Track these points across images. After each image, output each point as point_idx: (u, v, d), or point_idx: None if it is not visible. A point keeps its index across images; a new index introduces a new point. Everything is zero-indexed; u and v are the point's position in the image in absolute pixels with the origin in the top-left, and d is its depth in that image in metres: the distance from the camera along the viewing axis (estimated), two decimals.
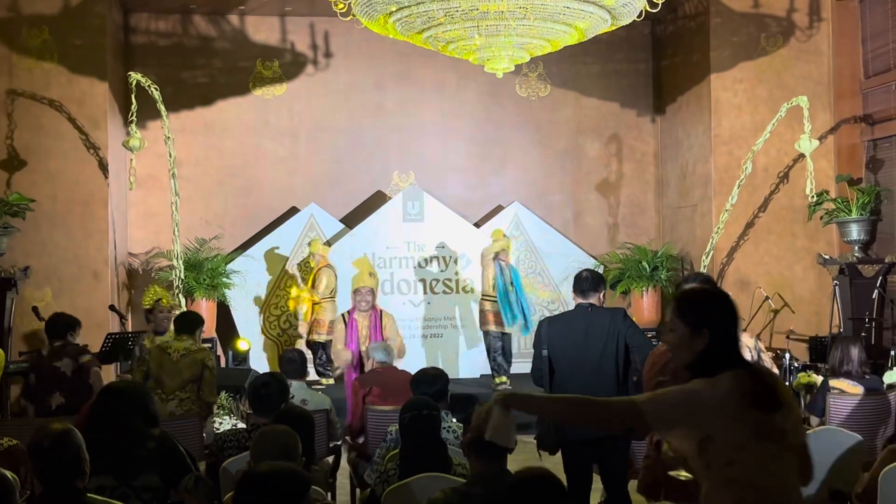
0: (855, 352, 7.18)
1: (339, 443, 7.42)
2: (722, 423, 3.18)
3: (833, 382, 7.15)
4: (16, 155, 10.84)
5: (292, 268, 12.21)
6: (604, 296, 6.41)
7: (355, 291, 9.12)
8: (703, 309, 3.36)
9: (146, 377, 7.63)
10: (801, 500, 3.30)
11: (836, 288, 10.76)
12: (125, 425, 4.39)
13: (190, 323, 7.88)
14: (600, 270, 12.15)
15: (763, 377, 3.31)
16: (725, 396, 3.20)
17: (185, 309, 9.72)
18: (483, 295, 11.32)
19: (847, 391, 7.09)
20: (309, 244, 11.79)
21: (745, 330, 8.42)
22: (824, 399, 7.04)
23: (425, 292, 12.31)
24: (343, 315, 9.14)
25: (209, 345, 9.42)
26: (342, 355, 8.97)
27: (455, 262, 12.33)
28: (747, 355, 8.12)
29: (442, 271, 12.33)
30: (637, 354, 6.24)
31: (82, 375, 7.58)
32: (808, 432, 5.87)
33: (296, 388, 7.35)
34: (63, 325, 7.81)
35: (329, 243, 12.26)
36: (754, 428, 3.19)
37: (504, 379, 11.15)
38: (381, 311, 9.06)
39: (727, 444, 3.19)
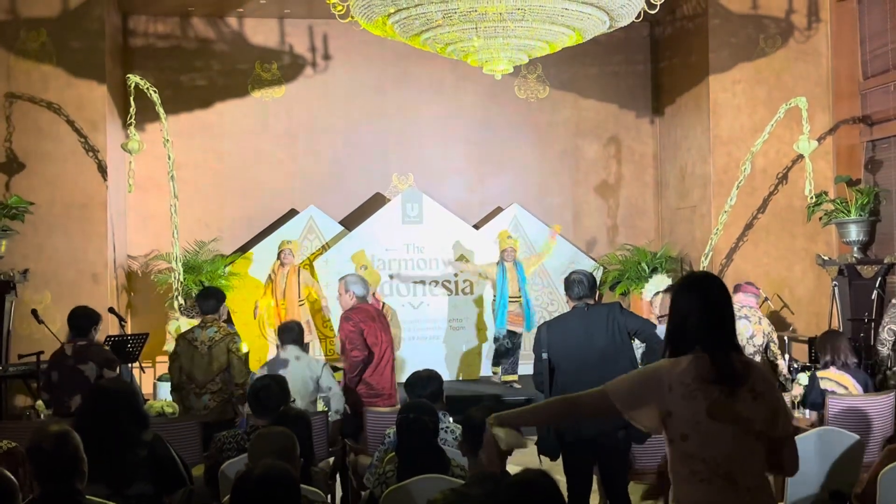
0: (844, 345, 7.39)
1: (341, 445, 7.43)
2: (678, 400, 3.41)
3: (822, 374, 7.30)
4: (14, 158, 10.84)
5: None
6: (599, 297, 6.42)
7: None
8: (673, 296, 3.65)
9: (180, 372, 7.72)
10: (758, 484, 3.46)
11: (836, 289, 10.76)
12: (115, 428, 4.33)
13: (213, 299, 7.89)
14: (599, 272, 12.21)
15: (729, 360, 3.48)
16: (681, 375, 3.43)
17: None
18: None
19: (835, 380, 7.24)
20: (289, 243, 11.59)
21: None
22: (820, 393, 7.11)
23: (424, 294, 12.31)
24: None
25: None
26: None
27: (454, 263, 12.33)
28: (760, 340, 8.43)
29: (441, 273, 12.32)
30: (640, 337, 6.27)
31: None
32: (807, 432, 5.93)
33: (290, 349, 7.61)
34: (87, 319, 7.59)
35: (328, 245, 12.26)
36: (708, 407, 3.40)
37: (514, 377, 11.56)
38: (382, 303, 9.13)
39: (682, 420, 3.41)
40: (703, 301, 3.58)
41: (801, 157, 11.17)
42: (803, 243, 11.82)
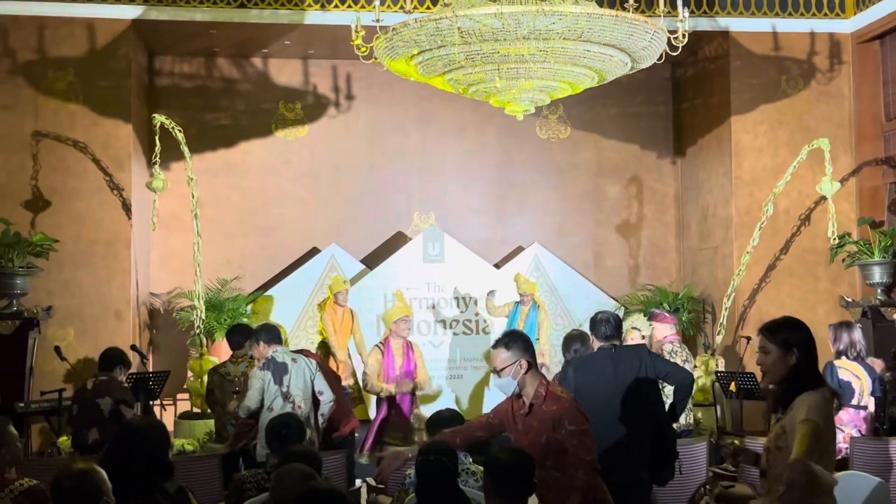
0: (858, 337, 7.74)
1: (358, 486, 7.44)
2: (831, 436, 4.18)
3: (838, 363, 7.61)
4: (40, 195, 10.94)
5: (313, 308, 12.19)
6: (624, 338, 6.40)
7: (400, 320, 9.23)
8: (790, 331, 4.25)
9: (215, 404, 8.15)
10: None
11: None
12: (136, 470, 4.17)
13: (238, 335, 8.20)
14: (621, 312, 12.15)
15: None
16: (827, 417, 4.10)
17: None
18: None
19: (851, 370, 7.56)
20: (344, 282, 11.42)
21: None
22: (838, 383, 7.42)
23: (444, 333, 12.29)
24: (379, 345, 9.25)
25: None
26: (384, 386, 9.09)
27: (475, 303, 12.32)
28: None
29: (462, 312, 12.31)
30: (670, 380, 6.26)
31: (119, 417, 7.65)
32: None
33: (280, 350, 7.70)
34: (114, 358, 7.86)
35: (349, 284, 12.26)
36: (829, 435, 4.14)
37: None
38: (410, 343, 9.25)
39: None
40: (813, 337, 4.30)
41: (823, 198, 11.15)
42: (826, 285, 11.76)
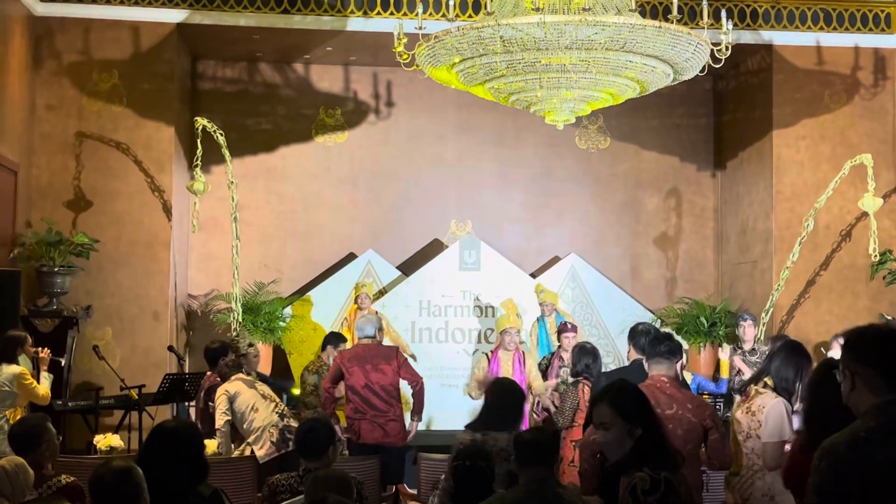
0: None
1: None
2: None
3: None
4: (82, 195, 11.05)
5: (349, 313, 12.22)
6: None
7: (505, 332, 9.40)
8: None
9: None
10: None
11: None
12: (169, 473, 4.13)
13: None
14: (657, 324, 12.08)
15: None
16: None
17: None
18: None
19: None
20: (364, 286, 11.57)
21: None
22: None
23: (479, 342, 12.27)
24: (487, 354, 9.47)
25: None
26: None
27: (493, 312, 12.23)
28: None
29: (478, 319, 12.26)
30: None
31: None
32: None
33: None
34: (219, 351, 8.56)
35: (385, 290, 12.29)
36: None
37: None
38: (523, 353, 9.40)
39: None
40: None
41: (864, 214, 11.03)
42: (866, 302, 11.63)
